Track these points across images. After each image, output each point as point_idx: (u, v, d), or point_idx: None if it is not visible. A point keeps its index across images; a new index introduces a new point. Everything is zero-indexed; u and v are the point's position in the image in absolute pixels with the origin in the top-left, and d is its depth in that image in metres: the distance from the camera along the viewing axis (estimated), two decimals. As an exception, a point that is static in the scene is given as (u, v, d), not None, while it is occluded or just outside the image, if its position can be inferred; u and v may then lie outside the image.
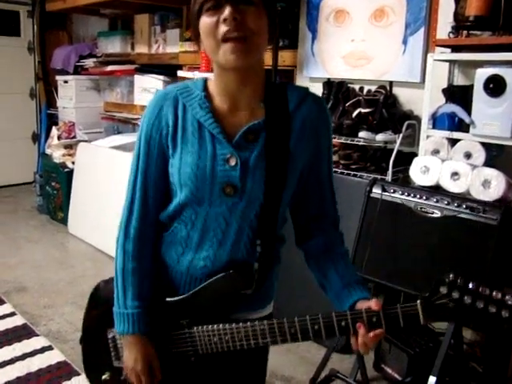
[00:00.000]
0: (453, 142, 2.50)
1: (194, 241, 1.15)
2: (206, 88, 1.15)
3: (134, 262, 1.16)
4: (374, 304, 1.01)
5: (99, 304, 1.33)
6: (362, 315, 1.01)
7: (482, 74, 2.32)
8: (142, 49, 4.20)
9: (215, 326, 1.12)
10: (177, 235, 1.17)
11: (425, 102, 2.61)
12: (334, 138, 2.96)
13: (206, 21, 1.03)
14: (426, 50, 2.77)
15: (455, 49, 2.55)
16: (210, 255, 1.14)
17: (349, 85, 3.09)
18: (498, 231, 2.10)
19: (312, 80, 3.32)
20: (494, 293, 0.87)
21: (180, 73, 3.86)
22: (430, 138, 2.57)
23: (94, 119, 4.51)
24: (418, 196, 2.33)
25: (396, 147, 2.73)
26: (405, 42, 2.83)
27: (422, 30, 2.75)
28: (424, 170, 2.46)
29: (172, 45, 3.99)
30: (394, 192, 2.38)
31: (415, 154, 2.76)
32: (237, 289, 1.14)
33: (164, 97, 1.14)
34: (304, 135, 1.13)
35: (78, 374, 2.44)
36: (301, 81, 3.38)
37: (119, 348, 1.26)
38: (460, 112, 2.44)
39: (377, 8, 2.90)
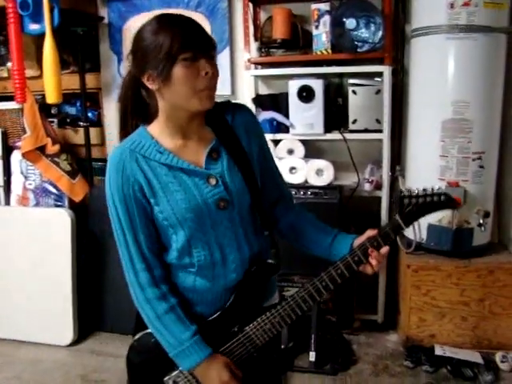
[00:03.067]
0: (276, 142, 3.00)
1: (219, 263, 1.28)
2: (151, 136, 1.25)
3: (161, 304, 1.25)
4: (370, 232, 1.26)
5: (142, 362, 1.34)
6: (366, 245, 1.25)
7: (295, 84, 2.86)
8: None
9: (263, 316, 1.28)
10: (202, 269, 1.28)
11: (245, 111, 3.04)
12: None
13: (184, 72, 1.14)
14: (232, 66, 3.20)
15: (259, 64, 3.04)
16: (238, 265, 1.29)
17: (163, 102, 3.30)
18: (338, 207, 2.69)
19: (121, 100, 3.38)
20: (429, 189, 1.27)
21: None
22: (256, 141, 3.01)
23: None
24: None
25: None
26: (213, 60, 3.19)
27: (228, 49, 3.16)
28: (265, 169, 2.89)
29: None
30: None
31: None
32: (268, 275, 1.34)
33: (120, 157, 1.23)
34: (249, 136, 1.32)
35: None
36: (108, 102, 3.41)
37: None
38: (279, 117, 2.95)
39: (182, 31, 3.18)
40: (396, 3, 2.84)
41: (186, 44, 1.14)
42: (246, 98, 3.07)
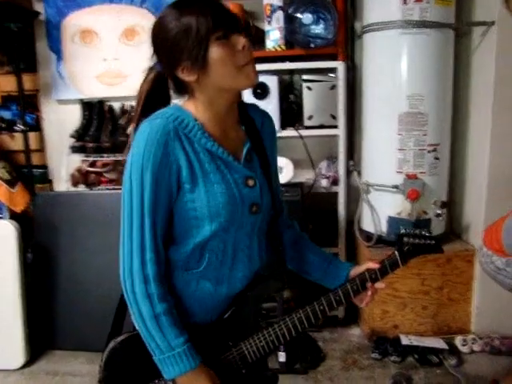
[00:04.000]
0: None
1: (227, 268, 1.21)
2: (194, 117, 1.15)
3: (161, 303, 1.12)
4: (371, 265, 1.28)
5: (125, 365, 1.23)
6: (365, 275, 1.27)
7: (249, 82, 2.81)
8: None
9: (259, 334, 1.23)
10: (208, 269, 1.20)
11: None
12: (109, 157, 3.03)
13: (221, 51, 1.08)
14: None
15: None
16: (245, 273, 1.24)
17: (108, 103, 3.14)
18: (301, 204, 2.67)
19: (61, 102, 3.18)
20: (422, 232, 1.33)
21: None
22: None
23: None
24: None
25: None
26: (160, 58, 3.07)
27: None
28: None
29: None
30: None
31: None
32: (274, 291, 1.32)
33: (163, 130, 1.09)
34: (271, 147, 1.32)
35: None
36: (47, 104, 3.20)
37: None
38: (234, 115, 2.88)
39: (126, 27, 3.03)
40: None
41: (215, 22, 1.07)
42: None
